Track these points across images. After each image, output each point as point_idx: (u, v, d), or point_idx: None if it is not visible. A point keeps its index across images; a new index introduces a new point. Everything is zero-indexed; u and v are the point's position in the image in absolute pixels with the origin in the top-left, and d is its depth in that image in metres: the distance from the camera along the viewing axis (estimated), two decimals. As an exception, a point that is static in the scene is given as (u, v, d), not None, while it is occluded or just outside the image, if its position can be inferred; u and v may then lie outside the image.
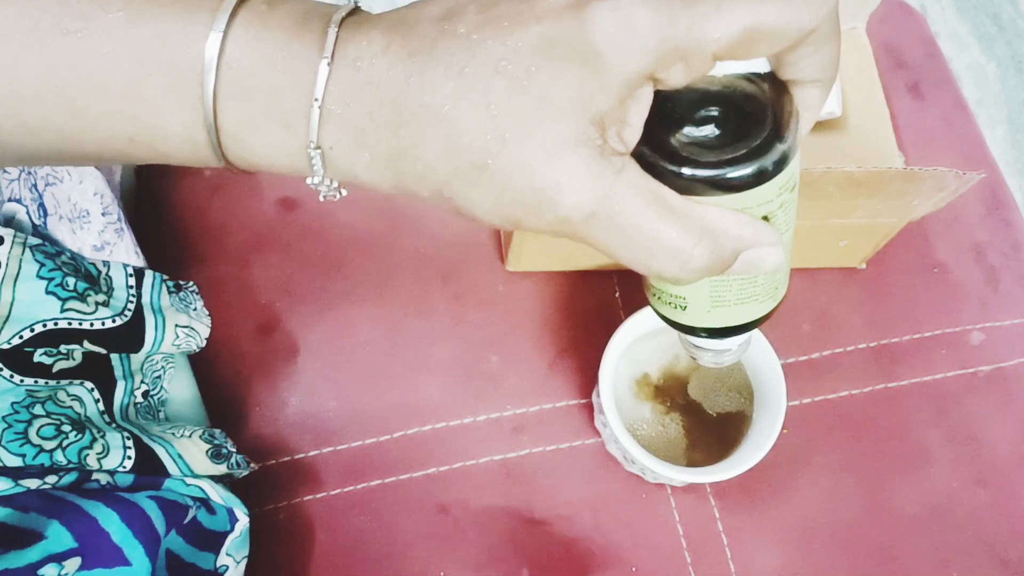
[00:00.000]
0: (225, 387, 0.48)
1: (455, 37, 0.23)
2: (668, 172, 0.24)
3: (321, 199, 0.26)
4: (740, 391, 0.45)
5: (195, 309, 0.47)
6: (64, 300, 0.38)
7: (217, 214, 0.52)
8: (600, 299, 0.50)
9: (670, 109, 0.25)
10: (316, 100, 0.23)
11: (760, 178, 0.24)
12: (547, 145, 0.22)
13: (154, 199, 0.54)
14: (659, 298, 0.30)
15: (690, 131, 0.24)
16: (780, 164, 0.24)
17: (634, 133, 0.24)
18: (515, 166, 0.23)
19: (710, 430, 0.45)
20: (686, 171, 0.24)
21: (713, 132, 0.24)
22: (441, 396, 0.48)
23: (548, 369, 0.49)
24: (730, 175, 0.24)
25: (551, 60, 0.22)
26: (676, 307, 0.30)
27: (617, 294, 0.51)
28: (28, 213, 0.38)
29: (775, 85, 0.25)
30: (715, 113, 0.25)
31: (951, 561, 0.46)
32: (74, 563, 0.32)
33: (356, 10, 0.25)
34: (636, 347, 0.45)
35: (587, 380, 0.48)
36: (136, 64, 0.23)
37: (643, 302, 0.44)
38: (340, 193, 0.26)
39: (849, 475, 0.47)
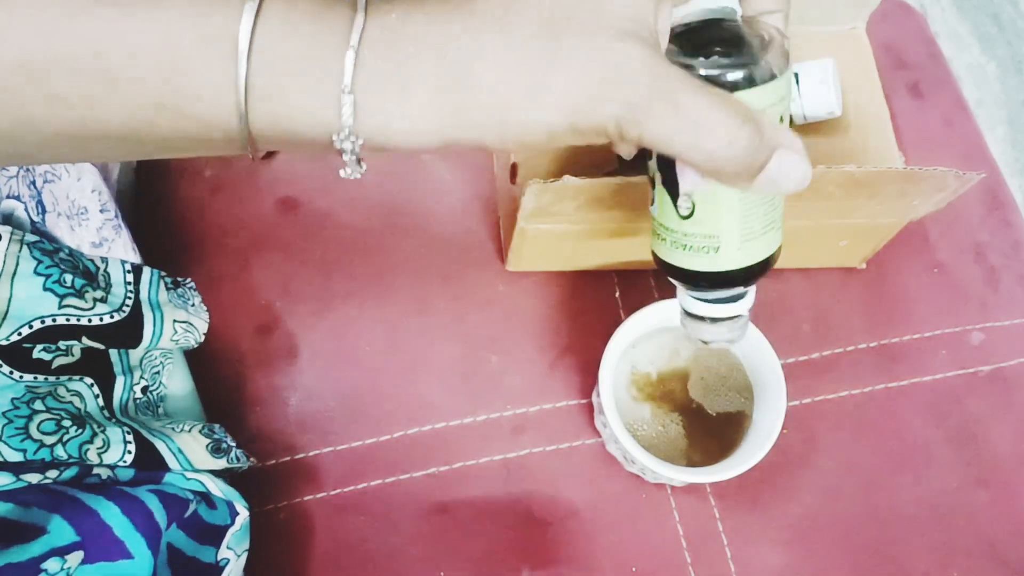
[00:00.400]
0: (225, 387, 0.48)
1: None
2: (700, 76, 0.28)
3: (342, 172, 0.27)
4: (740, 391, 0.45)
5: (193, 305, 0.47)
6: (62, 297, 0.38)
7: (217, 214, 0.52)
8: (600, 299, 0.50)
9: (681, 44, 0.29)
10: (352, 46, 0.24)
11: (778, 71, 0.29)
12: (608, 37, 0.25)
13: (154, 199, 0.54)
14: (688, 247, 0.32)
15: (703, 58, 0.29)
16: (785, 61, 0.29)
17: (664, 41, 0.28)
18: (579, 58, 0.25)
19: (710, 430, 0.45)
20: (716, 72, 0.28)
21: (725, 53, 0.29)
22: (441, 396, 0.48)
23: (548, 369, 0.49)
24: (763, 67, 0.29)
25: None
26: (708, 250, 0.32)
27: (617, 294, 0.51)
28: (27, 210, 0.38)
29: (747, 21, 0.30)
30: (719, 47, 0.29)
31: (951, 561, 0.46)
32: (76, 557, 0.32)
33: None
34: (636, 347, 0.45)
35: (587, 380, 0.48)
36: (169, 28, 0.24)
37: (643, 302, 0.44)
38: (361, 167, 0.27)
39: (849, 475, 0.48)
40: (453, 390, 0.48)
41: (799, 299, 0.51)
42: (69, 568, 0.32)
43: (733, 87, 0.28)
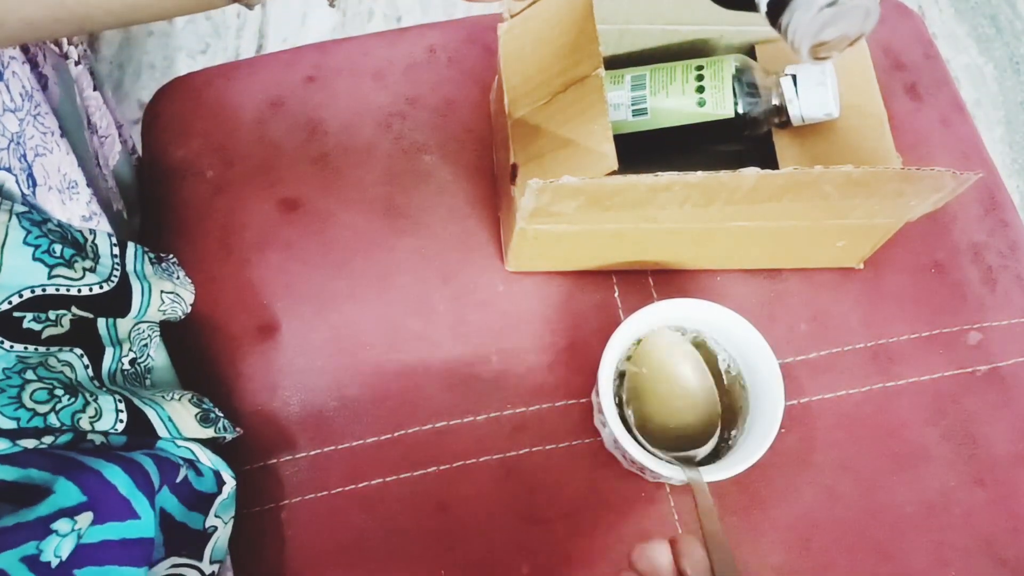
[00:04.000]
0: (226, 387, 0.48)
1: None
2: None
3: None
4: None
5: (178, 277, 0.48)
6: (51, 267, 0.38)
7: (218, 214, 0.52)
8: (600, 299, 0.51)
9: None
10: None
11: None
12: None
13: (155, 199, 0.54)
14: None
15: None
16: None
17: None
18: None
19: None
20: None
21: None
22: (441, 396, 0.48)
23: (548, 369, 0.49)
24: None
25: None
26: None
27: (617, 294, 0.51)
28: (17, 182, 0.38)
29: None
30: None
31: (949, 560, 0.46)
32: (86, 518, 0.32)
33: None
34: (635, 347, 0.46)
35: (587, 380, 0.49)
36: None
37: (642, 302, 0.45)
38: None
39: (847, 474, 0.48)
40: (453, 390, 0.48)
41: (797, 299, 0.51)
42: (80, 529, 0.32)
43: None
